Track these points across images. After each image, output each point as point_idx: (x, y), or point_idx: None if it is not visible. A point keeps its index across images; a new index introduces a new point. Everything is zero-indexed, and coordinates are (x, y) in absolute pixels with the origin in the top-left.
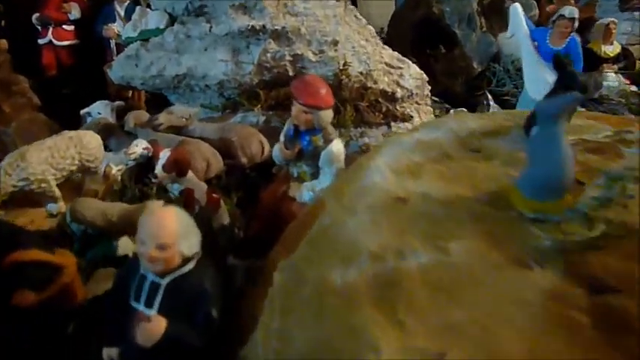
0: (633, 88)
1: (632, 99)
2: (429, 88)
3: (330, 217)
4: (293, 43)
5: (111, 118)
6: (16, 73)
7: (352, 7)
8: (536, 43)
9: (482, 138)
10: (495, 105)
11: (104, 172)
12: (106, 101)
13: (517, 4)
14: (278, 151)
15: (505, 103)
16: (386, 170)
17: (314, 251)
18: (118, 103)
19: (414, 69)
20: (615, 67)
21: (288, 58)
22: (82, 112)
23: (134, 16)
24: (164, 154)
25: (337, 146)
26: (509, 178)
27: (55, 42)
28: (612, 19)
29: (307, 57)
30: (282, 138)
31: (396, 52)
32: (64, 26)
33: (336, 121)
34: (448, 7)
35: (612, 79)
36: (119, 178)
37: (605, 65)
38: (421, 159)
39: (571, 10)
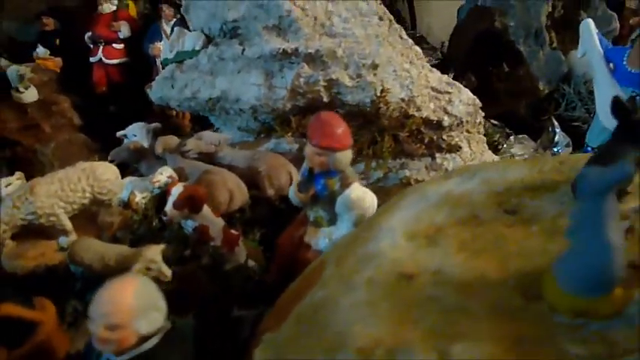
0: None
1: None
2: (483, 115)
3: (324, 290)
4: (328, 67)
5: (146, 141)
6: (67, 91)
7: (398, 26)
8: (611, 64)
9: (523, 194)
10: (562, 133)
11: (128, 199)
12: (142, 123)
13: (589, 20)
14: (292, 193)
15: (575, 131)
16: (398, 233)
17: (300, 331)
18: (155, 125)
19: (466, 94)
20: None
21: (322, 83)
22: (118, 134)
23: (172, 37)
24: (176, 190)
25: (356, 192)
26: (547, 256)
27: (105, 60)
28: None
29: (343, 82)
30: (298, 178)
31: (446, 76)
32: (114, 44)
33: (372, 152)
34: (513, 20)
35: None
36: (143, 206)
37: None
38: (444, 220)
39: None
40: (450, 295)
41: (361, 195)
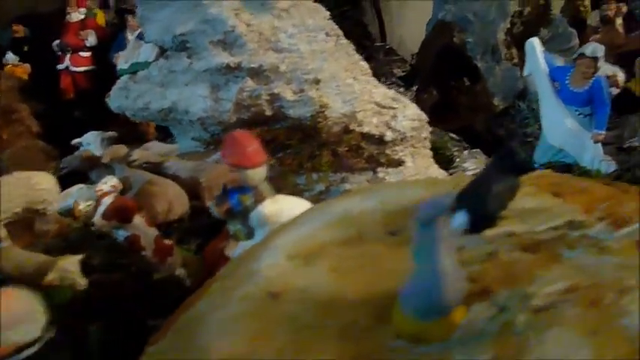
0: None
1: None
2: (430, 129)
3: (203, 305)
4: (271, 81)
5: (100, 150)
6: (34, 97)
7: (346, 41)
8: (557, 83)
9: (412, 215)
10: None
11: (72, 207)
12: (97, 132)
13: (534, 39)
14: (212, 207)
15: (528, 147)
16: (281, 252)
17: (172, 345)
18: (110, 134)
19: (412, 109)
20: None
21: (265, 97)
22: (73, 142)
23: (128, 48)
24: (106, 201)
25: (270, 207)
26: None
27: (72, 67)
28: None
29: (285, 96)
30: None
31: (392, 91)
32: (80, 53)
33: (312, 166)
34: (471, 36)
35: None
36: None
37: None
38: (330, 239)
39: (594, 48)
40: (308, 314)
41: (274, 211)
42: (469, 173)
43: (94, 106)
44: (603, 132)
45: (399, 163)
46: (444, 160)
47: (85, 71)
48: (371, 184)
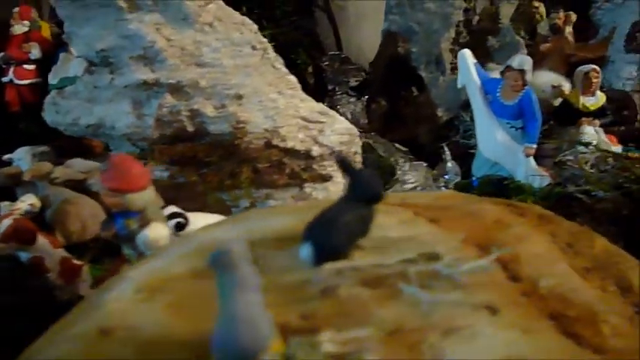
0: (617, 148)
1: (604, 166)
2: (360, 144)
3: (40, 342)
4: (191, 97)
5: (30, 165)
6: None
7: (273, 55)
8: (489, 95)
9: (271, 245)
10: (452, 161)
11: None
12: (28, 147)
13: (465, 50)
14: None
15: (471, 159)
16: (130, 284)
17: None
18: (42, 148)
19: (342, 123)
20: (597, 121)
21: (185, 113)
22: (4, 157)
23: (58, 63)
24: (6, 222)
25: (155, 231)
26: None
27: (16, 80)
28: (593, 66)
29: (205, 112)
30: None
31: (321, 105)
32: (25, 65)
33: (232, 183)
34: (415, 46)
35: (589, 138)
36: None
37: (584, 120)
38: (183, 270)
39: (521, 60)
40: (129, 353)
41: (162, 234)
42: (409, 186)
43: (39, 119)
44: (534, 145)
45: (327, 178)
46: (387, 172)
47: (29, 84)
48: (296, 200)
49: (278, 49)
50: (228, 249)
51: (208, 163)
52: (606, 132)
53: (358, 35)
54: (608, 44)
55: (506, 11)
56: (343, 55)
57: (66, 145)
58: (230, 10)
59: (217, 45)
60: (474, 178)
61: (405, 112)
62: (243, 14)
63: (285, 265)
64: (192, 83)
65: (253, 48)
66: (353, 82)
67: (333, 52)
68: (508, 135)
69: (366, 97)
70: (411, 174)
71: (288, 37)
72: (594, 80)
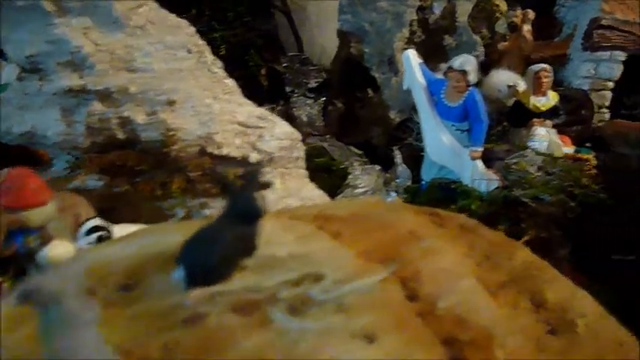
0: (570, 149)
1: (551, 169)
2: (304, 148)
3: None
4: (121, 103)
5: None
6: None
7: (210, 58)
8: (435, 97)
9: (155, 267)
10: (403, 165)
11: None
12: None
13: (409, 51)
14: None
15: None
16: (5, 309)
17: None
18: None
19: (282, 128)
20: (549, 122)
21: (115, 120)
22: None
23: None
24: None
25: (56, 249)
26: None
27: None
28: (544, 65)
29: (135, 119)
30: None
31: (260, 110)
32: None
33: (163, 193)
34: (368, 47)
35: (541, 139)
36: None
37: (535, 121)
38: None
39: (462, 61)
40: None
41: (63, 252)
42: (359, 191)
43: None
44: (480, 149)
45: (267, 185)
46: (340, 175)
47: None
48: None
49: (229, 52)
50: (38, 285)
51: (140, 171)
52: (561, 132)
53: (321, 35)
54: (569, 42)
55: (465, 8)
56: (304, 56)
57: (12, 153)
58: (164, 12)
59: (149, 49)
60: (423, 182)
61: (361, 114)
62: (192, 16)
63: (162, 289)
64: (121, 89)
65: (188, 51)
66: (313, 84)
67: (292, 53)
68: (454, 137)
69: (324, 98)
70: (363, 178)
71: (240, 39)
72: (545, 80)
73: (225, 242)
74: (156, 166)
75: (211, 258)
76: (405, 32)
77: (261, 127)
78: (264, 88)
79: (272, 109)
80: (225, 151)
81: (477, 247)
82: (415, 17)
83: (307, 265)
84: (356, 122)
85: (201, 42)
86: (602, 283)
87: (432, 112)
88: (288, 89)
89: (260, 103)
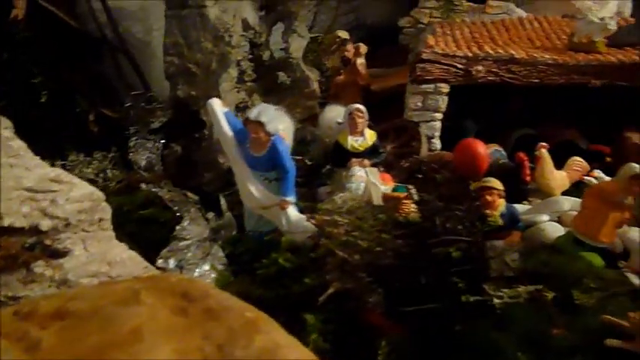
0: (387, 188)
1: (363, 213)
2: (109, 208)
3: None
4: None
5: None
6: None
7: None
8: (242, 146)
9: None
10: (229, 213)
11: None
12: None
13: (213, 100)
14: None
15: None
16: None
17: None
18: None
19: (81, 189)
20: (367, 162)
21: None
22: None
23: None
24: None
25: None
26: None
27: None
28: (357, 105)
29: None
30: None
31: (56, 171)
32: None
33: None
34: (195, 89)
35: (357, 181)
36: None
37: (354, 161)
38: None
39: (259, 111)
40: None
41: None
42: (184, 243)
43: None
44: (289, 198)
45: (64, 253)
46: (170, 226)
47: None
48: (24, 283)
49: (51, 98)
50: None
51: None
52: (388, 167)
53: None
54: (409, 71)
55: (299, 44)
56: (149, 94)
57: None
58: None
59: None
60: (250, 232)
61: (197, 158)
62: (3, 61)
63: None
64: None
65: None
66: (156, 124)
67: (136, 92)
68: (264, 187)
69: (162, 141)
70: (189, 229)
71: (64, 84)
72: (359, 120)
73: None
74: None
75: None
76: (232, 72)
77: (54, 191)
78: (94, 134)
79: (104, 157)
80: (8, 222)
81: (212, 337)
82: (243, 56)
83: None
84: (193, 166)
85: None
86: (411, 330)
87: (240, 162)
88: (132, 130)
89: (88, 152)
